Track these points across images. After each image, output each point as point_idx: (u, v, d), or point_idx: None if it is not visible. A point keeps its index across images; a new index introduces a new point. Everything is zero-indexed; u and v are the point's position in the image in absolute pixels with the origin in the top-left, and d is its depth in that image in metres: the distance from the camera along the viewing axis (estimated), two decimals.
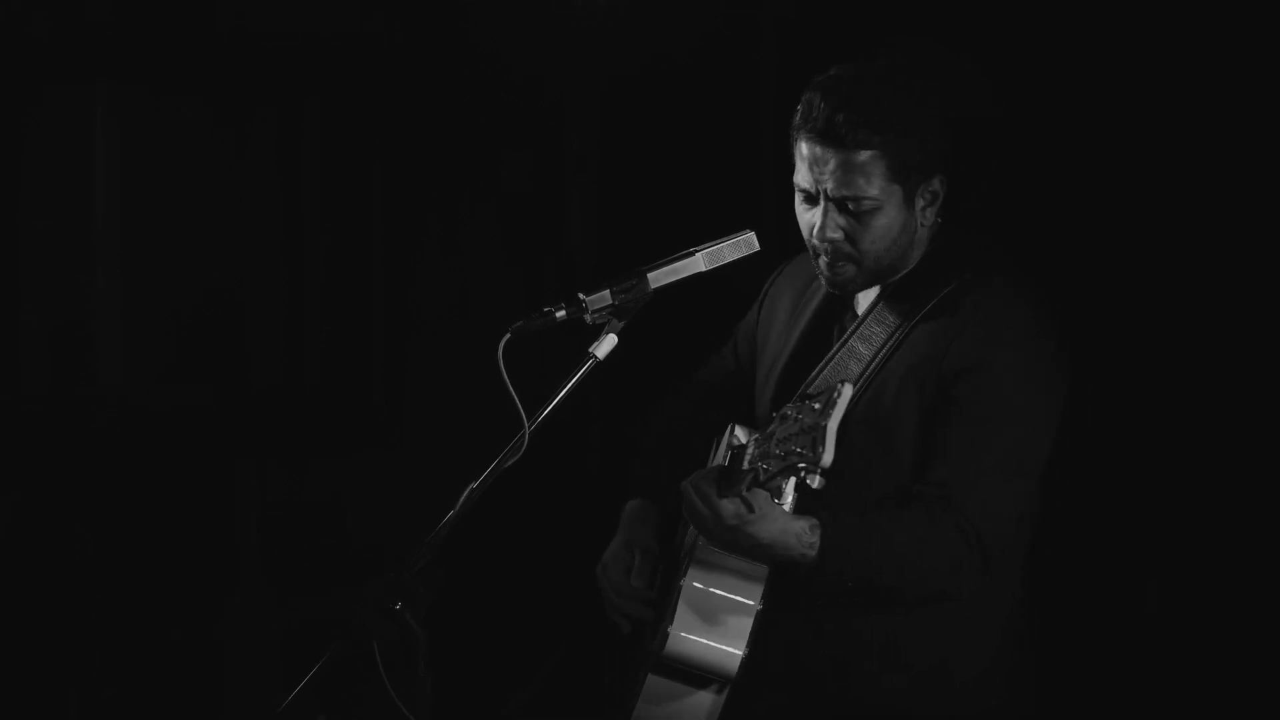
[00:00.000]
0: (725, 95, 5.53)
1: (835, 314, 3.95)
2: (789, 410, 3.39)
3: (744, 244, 3.72)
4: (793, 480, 3.40)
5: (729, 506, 3.51)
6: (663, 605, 3.88)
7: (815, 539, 3.56)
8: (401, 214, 5.89)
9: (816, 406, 3.33)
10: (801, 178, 3.78)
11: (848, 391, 3.31)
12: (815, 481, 3.32)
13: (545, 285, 5.83)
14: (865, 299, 3.89)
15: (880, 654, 3.77)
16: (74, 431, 5.67)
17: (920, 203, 3.79)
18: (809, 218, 3.80)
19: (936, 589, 3.70)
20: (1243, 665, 4.65)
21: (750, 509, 3.52)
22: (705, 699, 3.72)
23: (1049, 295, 3.86)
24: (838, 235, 3.76)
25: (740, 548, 3.60)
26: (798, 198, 3.83)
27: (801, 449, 3.31)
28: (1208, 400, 4.68)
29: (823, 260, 3.81)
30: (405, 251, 5.90)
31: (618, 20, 5.62)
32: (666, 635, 3.65)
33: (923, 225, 3.82)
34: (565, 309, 3.61)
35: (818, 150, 3.73)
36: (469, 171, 5.87)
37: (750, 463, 3.41)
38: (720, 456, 3.97)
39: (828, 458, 3.27)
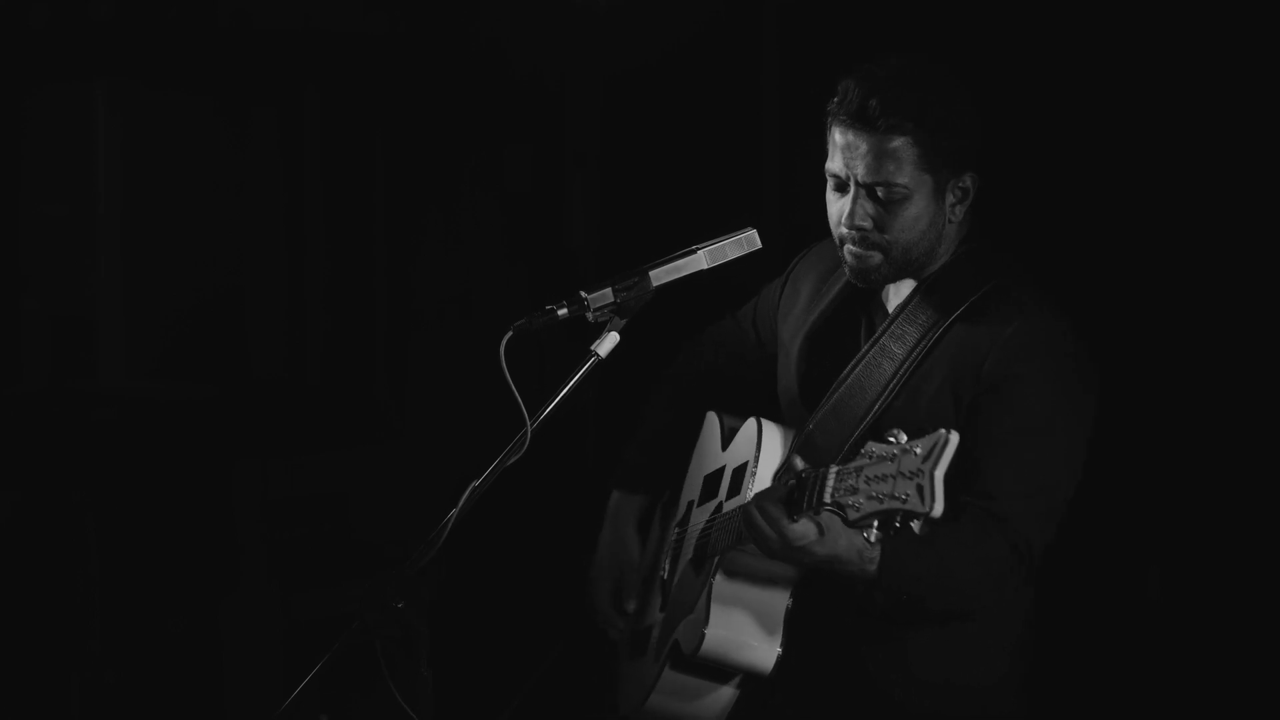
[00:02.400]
0: (727, 90, 5.52)
1: (862, 303, 3.90)
2: (877, 449, 3.30)
3: (746, 241, 3.69)
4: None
5: (797, 529, 3.48)
6: (667, 593, 3.91)
7: (875, 554, 3.53)
8: (403, 208, 5.88)
9: (918, 451, 3.25)
10: (834, 163, 3.73)
11: (954, 440, 3.23)
12: (918, 528, 3.28)
13: (547, 280, 5.82)
14: (897, 295, 3.86)
15: (910, 656, 3.75)
16: (75, 425, 5.66)
17: (950, 198, 3.74)
18: (839, 205, 3.76)
19: (986, 601, 3.69)
20: (1245, 652, 4.66)
21: (820, 531, 3.49)
22: (725, 693, 3.74)
23: (1071, 298, 3.85)
24: (866, 223, 3.72)
25: (800, 564, 3.59)
26: (829, 184, 3.77)
27: (905, 495, 3.24)
28: (1209, 389, 4.69)
29: (849, 249, 3.76)
30: (407, 246, 5.89)
31: (619, 15, 5.61)
32: (703, 636, 3.65)
33: (951, 221, 3.77)
34: (567, 307, 3.59)
35: (850, 136, 3.69)
36: (471, 166, 5.86)
37: (834, 496, 3.34)
38: (753, 460, 3.91)
39: (939, 508, 3.21)
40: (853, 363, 3.81)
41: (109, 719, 5.69)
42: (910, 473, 3.25)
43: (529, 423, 3.51)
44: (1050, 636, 4.24)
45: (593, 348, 3.58)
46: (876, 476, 3.29)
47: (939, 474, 3.21)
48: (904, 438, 3.29)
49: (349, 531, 5.89)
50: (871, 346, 3.79)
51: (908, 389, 3.71)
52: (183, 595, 5.75)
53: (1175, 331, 4.73)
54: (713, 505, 3.94)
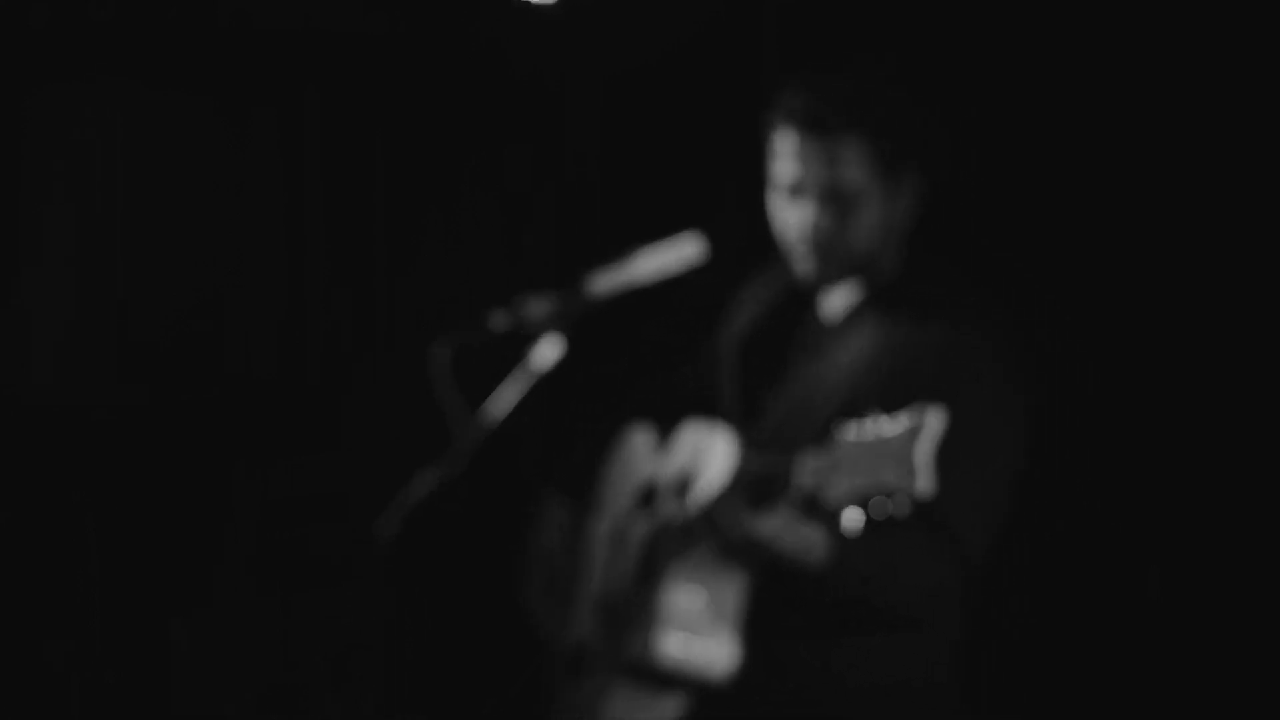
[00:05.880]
0: (727, 90, 5.49)
1: (794, 313, 3.90)
2: (850, 433, 3.26)
3: (688, 250, 3.69)
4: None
5: (763, 528, 3.47)
6: (601, 611, 3.87)
7: (823, 549, 3.55)
8: (403, 208, 5.88)
9: (897, 432, 3.20)
10: (783, 171, 3.77)
11: (935, 416, 3.20)
12: (905, 506, 3.21)
13: (547, 280, 5.78)
14: (831, 305, 3.85)
15: (851, 659, 3.75)
16: (70, 427, 5.69)
17: (900, 201, 3.78)
18: (787, 214, 3.79)
19: (925, 606, 3.71)
20: (1245, 652, 4.64)
21: (783, 524, 3.48)
22: (672, 704, 3.73)
23: (1020, 312, 3.83)
24: (824, 225, 3.76)
25: (759, 560, 3.60)
26: (776, 194, 3.79)
27: (887, 473, 3.18)
28: (1208, 389, 4.67)
29: (801, 253, 3.79)
30: (407, 246, 5.89)
31: (619, 15, 5.59)
32: (655, 641, 3.65)
33: (900, 226, 3.79)
34: (505, 319, 3.60)
35: (800, 141, 3.74)
36: (471, 166, 5.86)
37: (804, 484, 3.31)
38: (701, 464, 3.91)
39: (923, 483, 3.16)
40: (797, 368, 3.80)
41: (109, 719, 5.72)
42: (892, 451, 3.18)
43: (468, 438, 3.53)
44: (1050, 637, 4.22)
45: (531, 360, 3.59)
46: (853, 458, 3.22)
47: (919, 448, 3.14)
48: (880, 418, 3.24)
49: (349, 530, 5.89)
50: (815, 355, 3.78)
51: (852, 397, 3.68)
52: (182, 595, 5.77)
53: (1174, 332, 4.70)
54: (647, 515, 3.92)
